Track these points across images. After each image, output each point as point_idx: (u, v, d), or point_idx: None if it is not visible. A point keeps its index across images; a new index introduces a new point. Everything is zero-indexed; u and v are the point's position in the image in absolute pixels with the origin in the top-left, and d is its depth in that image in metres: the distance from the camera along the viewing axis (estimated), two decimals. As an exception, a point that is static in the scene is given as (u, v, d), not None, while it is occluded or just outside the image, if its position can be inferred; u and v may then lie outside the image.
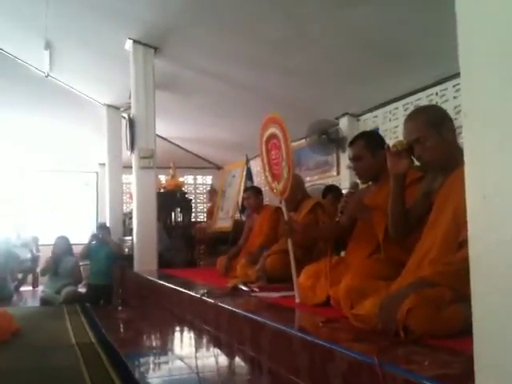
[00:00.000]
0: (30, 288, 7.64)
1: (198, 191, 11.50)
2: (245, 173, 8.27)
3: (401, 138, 2.16)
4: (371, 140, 2.80)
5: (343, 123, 6.97)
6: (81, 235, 9.45)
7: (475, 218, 1.19)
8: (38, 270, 7.43)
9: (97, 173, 10.97)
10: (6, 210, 10.29)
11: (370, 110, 6.63)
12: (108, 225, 7.81)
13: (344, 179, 6.85)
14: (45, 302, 6.14)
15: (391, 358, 1.54)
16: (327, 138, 6.88)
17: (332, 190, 4.99)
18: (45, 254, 7.41)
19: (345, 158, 6.52)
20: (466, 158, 1.22)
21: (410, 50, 5.08)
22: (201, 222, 9.14)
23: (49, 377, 2.72)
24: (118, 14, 5.61)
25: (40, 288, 7.34)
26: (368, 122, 6.76)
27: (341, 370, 1.68)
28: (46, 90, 7.72)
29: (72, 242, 6.75)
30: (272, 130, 3.04)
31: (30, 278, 7.66)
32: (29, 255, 8.31)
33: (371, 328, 1.94)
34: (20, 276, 7.75)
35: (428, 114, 2.08)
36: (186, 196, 8.35)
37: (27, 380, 2.68)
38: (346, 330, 2.02)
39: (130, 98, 6.45)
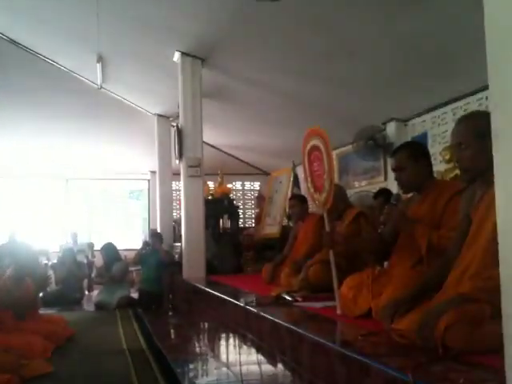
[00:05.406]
0: (86, 292, 7.94)
1: (246, 197, 11.60)
2: (292, 179, 8.31)
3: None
4: (413, 150, 2.78)
5: (390, 128, 6.88)
6: (133, 241, 9.76)
7: (506, 239, 1.19)
8: (93, 275, 7.71)
9: (148, 180, 11.29)
10: (63, 218, 10.76)
11: (418, 115, 6.52)
12: (158, 231, 8.04)
13: (392, 185, 6.74)
14: (99, 306, 6.40)
15: (426, 374, 1.54)
16: (374, 144, 6.82)
17: (383, 193, 4.96)
18: (99, 260, 7.69)
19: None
20: (495, 179, 1.22)
21: (459, 53, 4.98)
22: (249, 227, 9.23)
23: (100, 383, 2.85)
24: (167, 28, 5.79)
25: (95, 293, 7.63)
26: (416, 127, 6.64)
27: (377, 386, 1.69)
28: (99, 101, 8.05)
29: (125, 247, 6.96)
30: (314, 141, 3.06)
31: (85, 282, 7.93)
32: (85, 261, 8.64)
33: (411, 343, 1.93)
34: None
35: (477, 122, 2.04)
36: (234, 203, 8.44)
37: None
38: (384, 344, 2.02)
39: (178, 107, 6.61)
